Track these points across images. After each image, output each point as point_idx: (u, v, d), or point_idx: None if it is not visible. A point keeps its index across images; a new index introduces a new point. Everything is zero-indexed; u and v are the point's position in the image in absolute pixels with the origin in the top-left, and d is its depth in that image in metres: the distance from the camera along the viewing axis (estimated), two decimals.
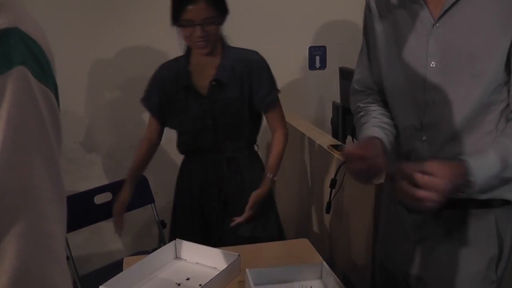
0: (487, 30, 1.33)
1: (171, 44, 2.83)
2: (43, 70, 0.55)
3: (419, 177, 1.22)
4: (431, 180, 1.22)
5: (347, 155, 1.39)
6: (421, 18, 1.40)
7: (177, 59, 2.19)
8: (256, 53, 2.13)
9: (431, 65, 1.39)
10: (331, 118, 2.82)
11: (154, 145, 2.33)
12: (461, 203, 1.41)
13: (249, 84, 2.09)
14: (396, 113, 1.54)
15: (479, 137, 1.39)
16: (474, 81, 1.36)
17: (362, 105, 1.61)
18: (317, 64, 3.16)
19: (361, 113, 1.59)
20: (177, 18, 1.99)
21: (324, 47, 3.17)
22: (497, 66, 1.34)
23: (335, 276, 1.59)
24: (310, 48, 3.15)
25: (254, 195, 2.08)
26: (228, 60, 2.09)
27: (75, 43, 2.73)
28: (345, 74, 2.70)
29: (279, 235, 2.20)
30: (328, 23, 3.13)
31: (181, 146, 2.23)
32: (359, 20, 3.13)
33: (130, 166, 2.30)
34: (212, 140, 2.11)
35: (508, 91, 1.37)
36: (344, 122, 2.61)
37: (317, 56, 3.15)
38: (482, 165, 1.28)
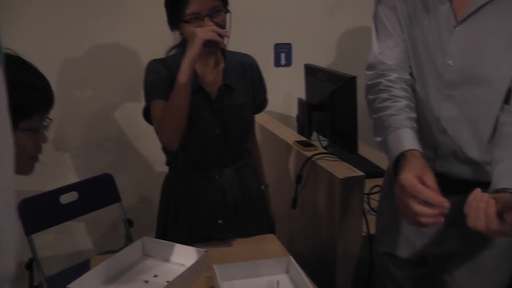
0: (503, 41, 1.40)
1: (143, 43, 2.84)
2: None
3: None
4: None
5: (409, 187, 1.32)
6: (444, 17, 1.46)
7: (171, 59, 1.93)
8: (251, 56, 2.05)
9: (450, 64, 1.47)
10: (297, 115, 2.85)
11: None
12: None
13: (251, 89, 2.01)
14: (419, 102, 1.58)
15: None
16: (487, 84, 1.44)
17: (386, 82, 1.59)
18: (283, 61, 3.19)
19: (384, 95, 1.56)
20: (180, 14, 1.78)
21: (290, 44, 3.19)
22: (507, 75, 1.41)
23: (301, 270, 1.61)
24: (276, 45, 3.17)
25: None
26: (231, 64, 1.97)
27: (45, 42, 2.70)
28: (310, 71, 2.74)
29: (270, 231, 2.15)
30: (293, 20, 3.16)
31: (181, 161, 1.99)
32: (324, 17, 3.20)
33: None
34: (221, 152, 1.96)
35: None
36: (310, 118, 2.64)
37: (282, 53, 3.18)
38: None
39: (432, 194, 1.27)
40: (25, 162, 1.28)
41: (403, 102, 1.52)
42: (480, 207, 1.21)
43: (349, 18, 3.24)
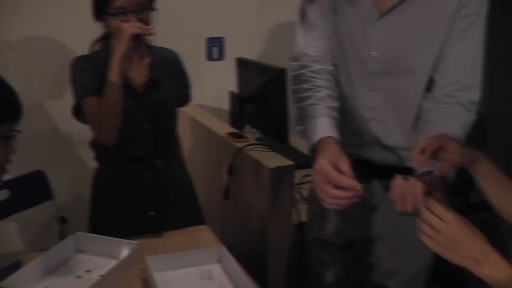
0: (423, 33, 1.46)
1: (74, 37, 2.76)
2: None
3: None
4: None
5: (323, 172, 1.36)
6: (366, 9, 1.51)
7: (96, 54, 1.93)
8: (174, 51, 2.08)
9: (373, 55, 1.52)
10: (229, 108, 2.87)
11: None
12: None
13: (177, 83, 2.04)
14: (344, 92, 1.62)
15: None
16: (409, 74, 1.51)
17: (308, 73, 1.63)
18: (215, 55, 3.21)
19: (306, 85, 1.61)
20: (105, 7, 1.78)
21: (222, 38, 3.22)
22: (427, 65, 1.49)
23: (234, 259, 1.65)
24: (208, 39, 3.19)
25: None
26: (157, 58, 1.98)
27: None
28: (242, 64, 2.77)
29: (201, 221, 2.19)
30: (225, 14, 3.18)
31: (111, 155, 1.99)
32: (256, 11, 3.22)
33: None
34: (151, 145, 1.98)
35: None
36: (242, 111, 2.67)
37: (214, 47, 3.20)
38: None
39: (344, 179, 1.34)
40: None
41: (323, 92, 1.57)
42: (406, 191, 1.27)
43: (280, 11, 3.28)
